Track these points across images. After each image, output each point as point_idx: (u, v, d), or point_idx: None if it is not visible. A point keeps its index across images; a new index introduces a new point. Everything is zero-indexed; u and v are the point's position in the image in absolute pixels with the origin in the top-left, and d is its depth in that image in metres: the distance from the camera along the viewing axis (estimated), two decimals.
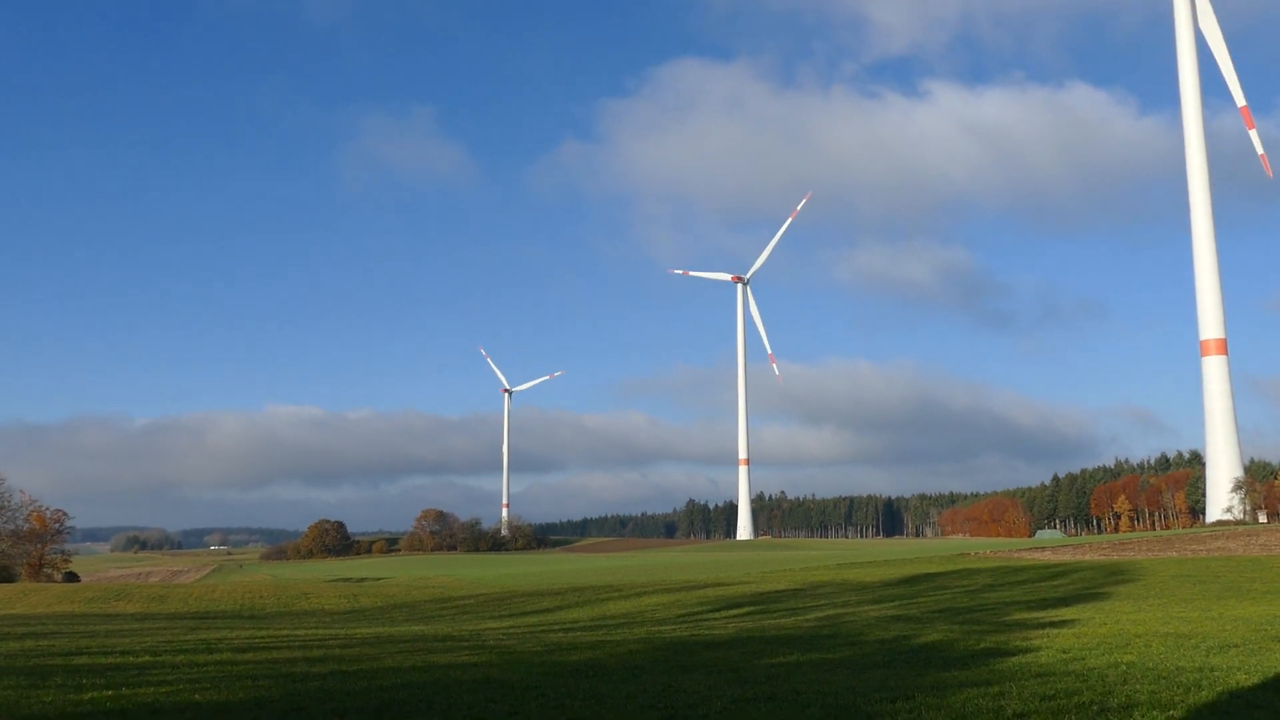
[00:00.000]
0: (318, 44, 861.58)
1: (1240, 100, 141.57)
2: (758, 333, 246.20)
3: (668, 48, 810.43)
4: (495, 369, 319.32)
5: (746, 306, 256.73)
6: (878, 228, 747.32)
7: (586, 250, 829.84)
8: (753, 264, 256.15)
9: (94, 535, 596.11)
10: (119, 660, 23.46)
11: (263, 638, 32.27)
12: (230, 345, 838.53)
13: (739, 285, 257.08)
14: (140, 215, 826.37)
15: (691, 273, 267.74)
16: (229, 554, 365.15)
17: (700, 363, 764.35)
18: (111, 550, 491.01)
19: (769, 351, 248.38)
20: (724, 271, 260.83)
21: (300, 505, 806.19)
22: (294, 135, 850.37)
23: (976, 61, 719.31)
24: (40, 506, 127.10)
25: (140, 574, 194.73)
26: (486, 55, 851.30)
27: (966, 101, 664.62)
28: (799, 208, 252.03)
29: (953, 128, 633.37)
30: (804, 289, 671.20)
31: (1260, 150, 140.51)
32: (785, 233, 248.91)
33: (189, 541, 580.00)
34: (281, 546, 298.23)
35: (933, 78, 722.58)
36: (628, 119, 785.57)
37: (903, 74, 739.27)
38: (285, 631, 37.10)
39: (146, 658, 23.96)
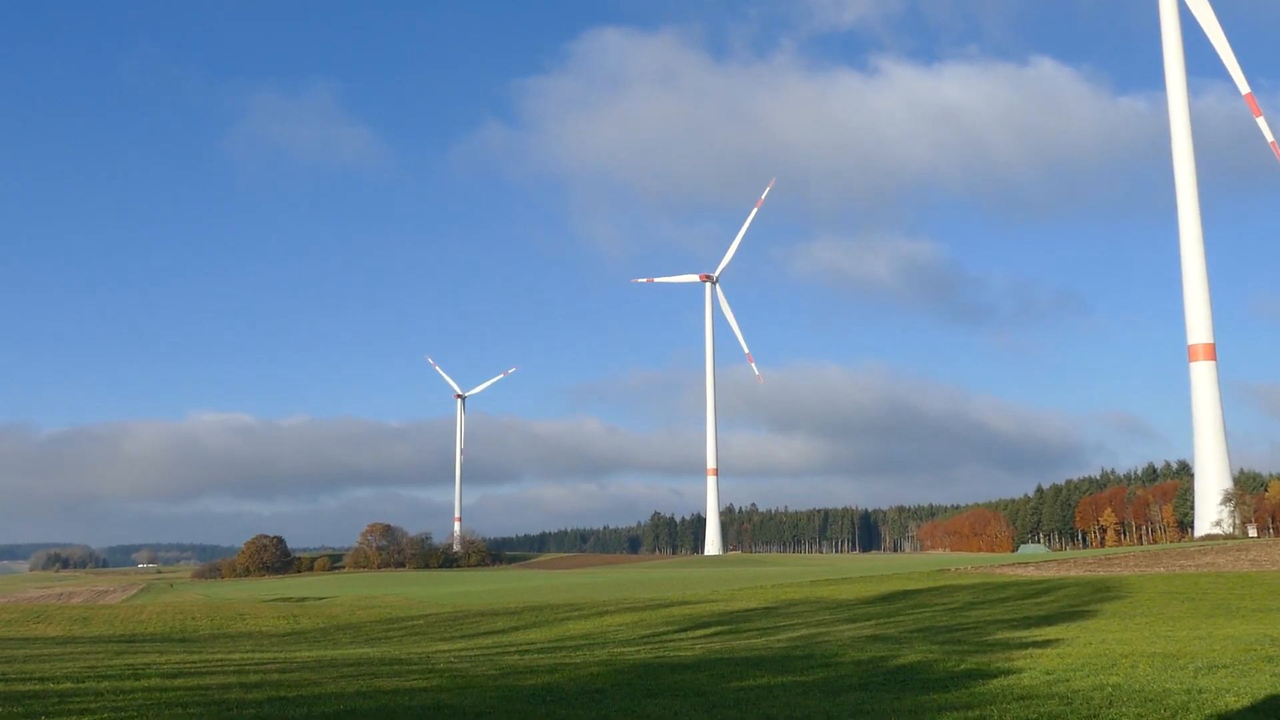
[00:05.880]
0: (196, 7, 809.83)
1: (1244, 87, 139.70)
2: (726, 332, 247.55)
3: (584, 18, 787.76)
4: (446, 378, 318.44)
5: (716, 306, 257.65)
6: (835, 218, 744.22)
7: (521, 243, 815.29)
8: (714, 257, 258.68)
9: (11, 553, 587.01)
10: (38, 687, 23.06)
11: (195, 663, 31.86)
12: (143, 349, 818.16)
13: (707, 284, 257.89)
14: (30, 209, 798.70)
15: (657, 279, 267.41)
16: (158, 572, 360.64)
17: (657, 367, 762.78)
18: (30, 569, 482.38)
19: (746, 351, 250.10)
20: (690, 273, 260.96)
21: (234, 519, 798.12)
22: (172, 112, 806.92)
23: (928, 36, 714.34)
24: None
25: (62, 594, 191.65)
26: (388, 25, 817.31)
27: (922, 80, 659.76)
28: (763, 196, 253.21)
29: (910, 108, 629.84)
30: (759, 287, 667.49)
31: (1271, 138, 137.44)
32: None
33: (115, 559, 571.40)
34: (215, 564, 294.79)
35: (883, 53, 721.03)
36: (551, 98, 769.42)
37: (851, 48, 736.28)
38: (219, 655, 36.66)
39: (68, 685, 23.57)
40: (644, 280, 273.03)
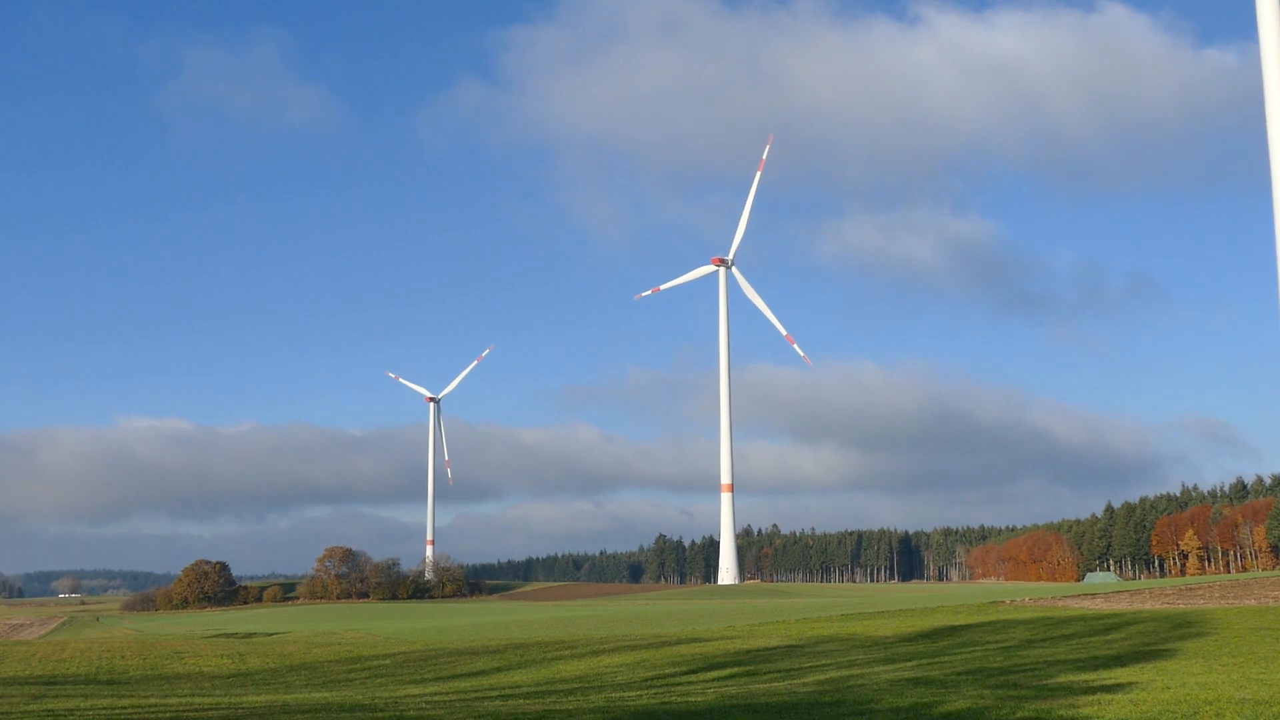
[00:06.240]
0: None
1: None
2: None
3: None
4: (412, 386, 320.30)
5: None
6: (868, 192, 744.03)
7: (500, 221, 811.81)
8: (727, 238, 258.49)
9: None
10: None
11: (125, 708, 31.94)
12: (64, 344, 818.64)
13: (721, 269, 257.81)
14: None
15: (663, 286, 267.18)
16: (82, 603, 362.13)
17: (661, 365, 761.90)
18: None
19: (784, 333, 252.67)
20: (700, 263, 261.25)
21: (170, 542, 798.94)
22: (94, 69, 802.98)
23: None
24: None
25: None
26: None
27: (971, 30, 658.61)
28: (764, 157, 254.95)
29: (956, 63, 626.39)
30: (779, 272, 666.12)
31: None
32: (755, 195, 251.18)
33: (32, 588, 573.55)
34: (148, 594, 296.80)
35: None
36: (536, 51, 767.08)
37: None
38: (153, 700, 36.74)
39: None
40: (649, 292, 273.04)
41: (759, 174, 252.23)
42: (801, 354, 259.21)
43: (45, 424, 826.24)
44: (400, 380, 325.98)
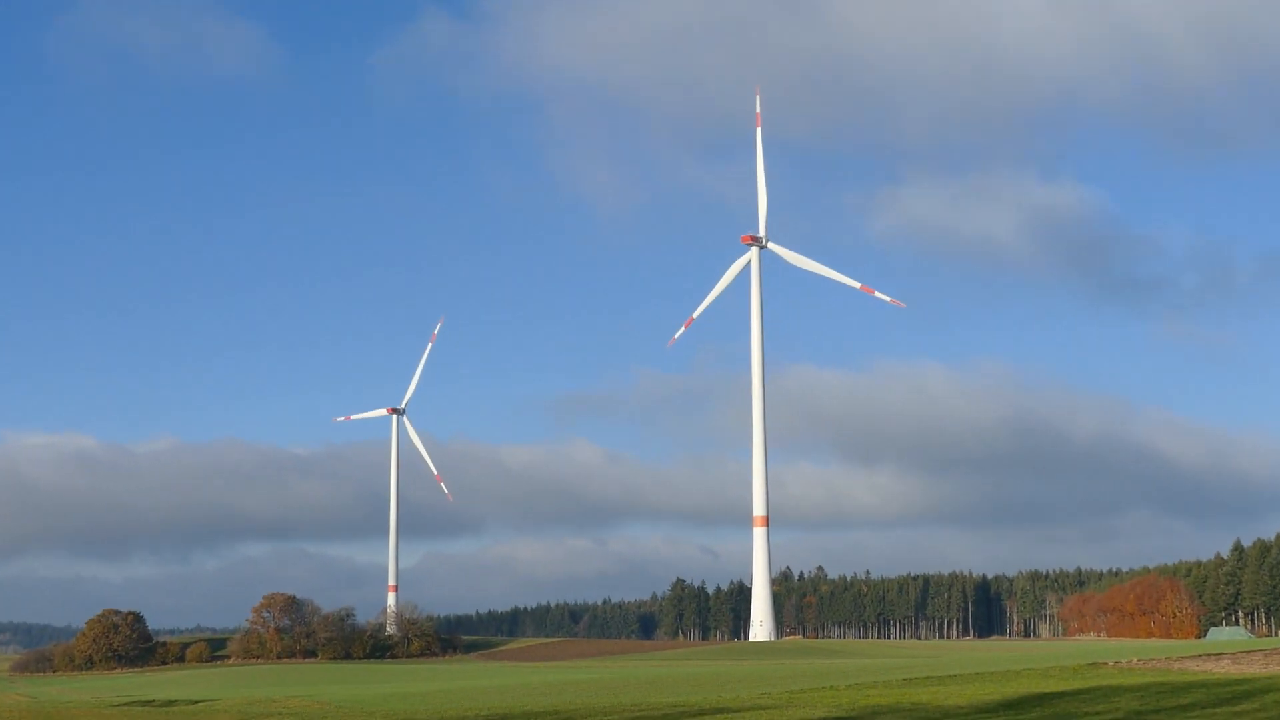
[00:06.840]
0: None
1: None
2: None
3: None
4: (369, 415, 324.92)
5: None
6: (935, 152, 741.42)
7: (475, 187, 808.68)
8: (750, 209, 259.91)
9: None
10: None
11: None
12: None
13: (753, 249, 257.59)
14: None
15: (698, 312, 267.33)
16: None
17: (678, 368, 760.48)
18: None
19: (858, 285, 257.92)
20: (730, 254, 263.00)
21: (71, 587, 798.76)
22: None
23: None
24: None
25: None
26: None
27: None
28: (758, 110, 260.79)
29: None
30: (822, 252, 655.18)
31: None
32: (765, 153, 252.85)
33: None
34: (44, 651, 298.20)
35: None
36: None
37: None
38: None
39: None
40: (683, 328, 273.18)
41: (759, 130, 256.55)
42: (888, 299, 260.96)
43: None
44: (353, 419, 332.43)
